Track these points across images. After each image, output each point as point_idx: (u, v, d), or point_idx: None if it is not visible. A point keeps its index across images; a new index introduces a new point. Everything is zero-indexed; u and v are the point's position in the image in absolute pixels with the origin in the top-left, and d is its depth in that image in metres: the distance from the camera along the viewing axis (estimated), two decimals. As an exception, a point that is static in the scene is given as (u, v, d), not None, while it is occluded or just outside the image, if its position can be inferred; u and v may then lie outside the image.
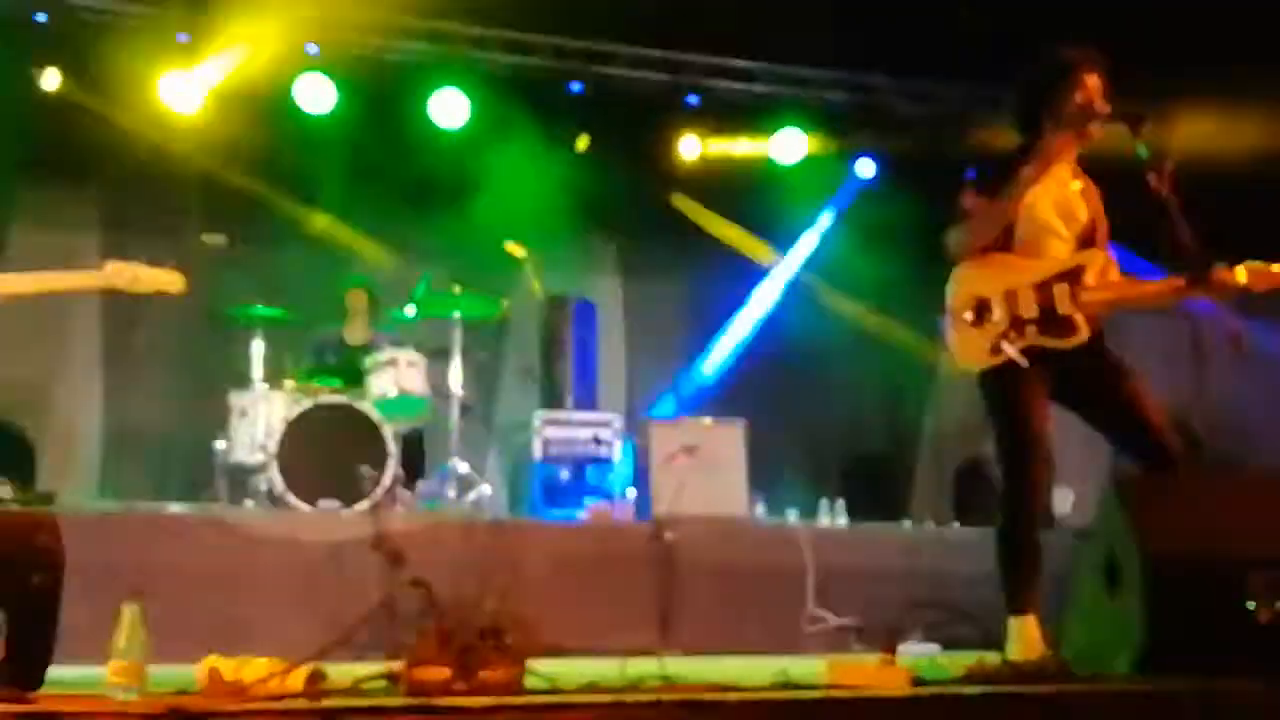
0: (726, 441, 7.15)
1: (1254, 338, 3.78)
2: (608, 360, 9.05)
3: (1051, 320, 3.89)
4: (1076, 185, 4.08)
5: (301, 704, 2.08)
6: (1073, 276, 3.93)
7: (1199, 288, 3.86)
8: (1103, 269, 4.01)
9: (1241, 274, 3.80)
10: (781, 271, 9.82)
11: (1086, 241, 4.02)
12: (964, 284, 4.03)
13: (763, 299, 9.83)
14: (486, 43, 8.61)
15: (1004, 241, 3.98)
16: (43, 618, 2.38)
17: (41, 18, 7.83)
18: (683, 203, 9.28)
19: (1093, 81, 4.01)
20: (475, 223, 8.05)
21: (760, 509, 7.36)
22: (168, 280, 4.14)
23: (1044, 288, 3.92)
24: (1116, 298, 4.01)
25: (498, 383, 8.65)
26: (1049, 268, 3.95)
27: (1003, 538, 3.93)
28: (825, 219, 9.85)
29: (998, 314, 3.92)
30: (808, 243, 9.86)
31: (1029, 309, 3.90)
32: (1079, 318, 3.89)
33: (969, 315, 3.96)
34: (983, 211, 3.95)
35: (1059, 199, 4.03)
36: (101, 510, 6.74)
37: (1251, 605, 2.81)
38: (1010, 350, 3.86)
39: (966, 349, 4.01)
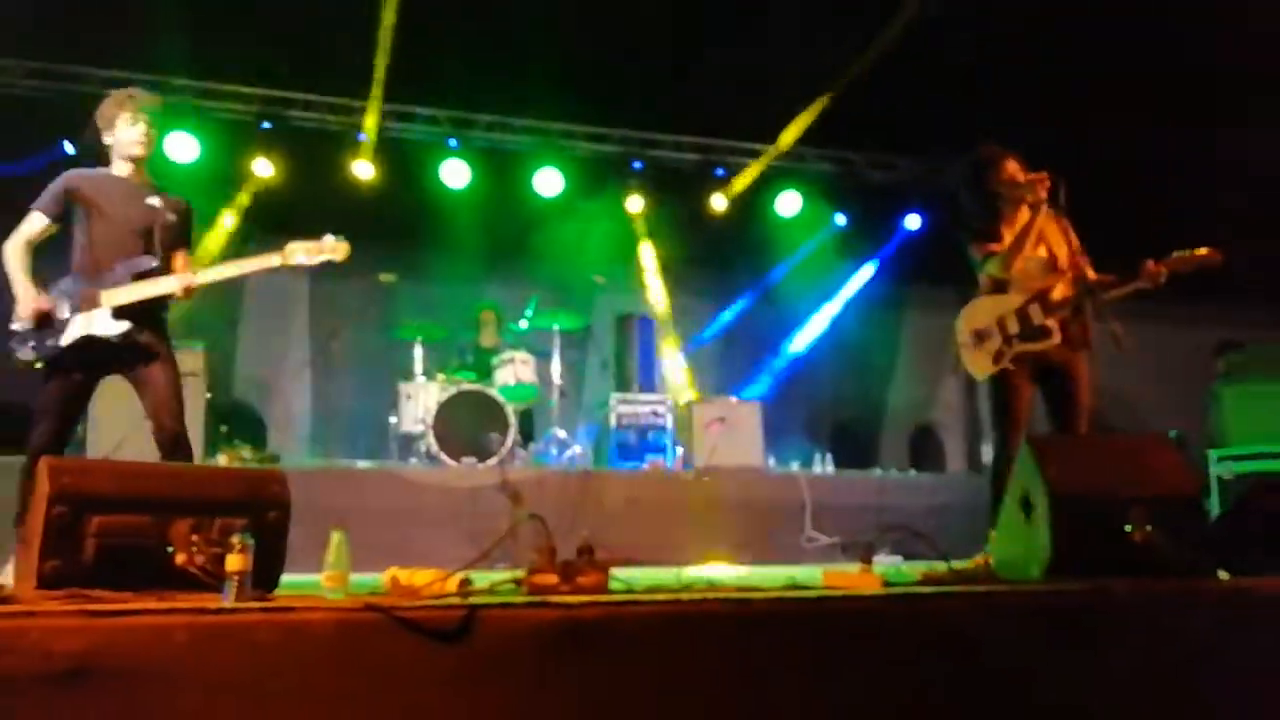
0: (747, 414, 7.14)
1: (1131, 336, 3.70)
2: (662, 357, 9.05)
3: (1030, 330, 3.98)
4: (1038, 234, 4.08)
5: (455, 600, 2.10)
6: (1041, 296, 3.99)
7: (1133, 280, 3.84)
8: (1070, 282, 4.02)
9: (1167, 264, 3.79)
10: (835, 304, 9.66)
11: (1052, 267, 4.06)
12: (965, 321, 4.17)
13: (816, 323, 9.61)
14: (574, 135, 8.65)
15: (1004, 286, 4.07)
16: (276, 542, 2.41)
17: (267, 125, 7.98)
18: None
19: (1010, 165, 4.05)
20: (568, 261, 8.09)
21: (771, 461, 7.33)
22: (334, 249, 3.87)
23: (1022, 310, 4.01)
24: (1072, 300, 3.98)
25: (585, 374, 8.66)
26: (1022, 296, 4.03)
27: (991, 480, 3.99)
28: (869, 268, 9.59)
29: (993, 336, 4.05)
30: (856, 283, 9.62)
31: (1013, 326, 4.01)
32: (1051, 324, 3.95)
33: (971, 341, 4.11)
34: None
35: (1027, 248, 4.06)
36: (312, 466, 6.87)
37: (1129, 529, 2.77)
38: (1005, 360, 4.01)
39: (976, 364, 4.12)
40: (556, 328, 7.29)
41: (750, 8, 6.97)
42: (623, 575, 2.61)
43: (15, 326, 3.66)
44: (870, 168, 9.20)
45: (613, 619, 2.06)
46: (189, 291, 3.70)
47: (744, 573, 4.07)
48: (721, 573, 3.24)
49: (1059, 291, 3.99)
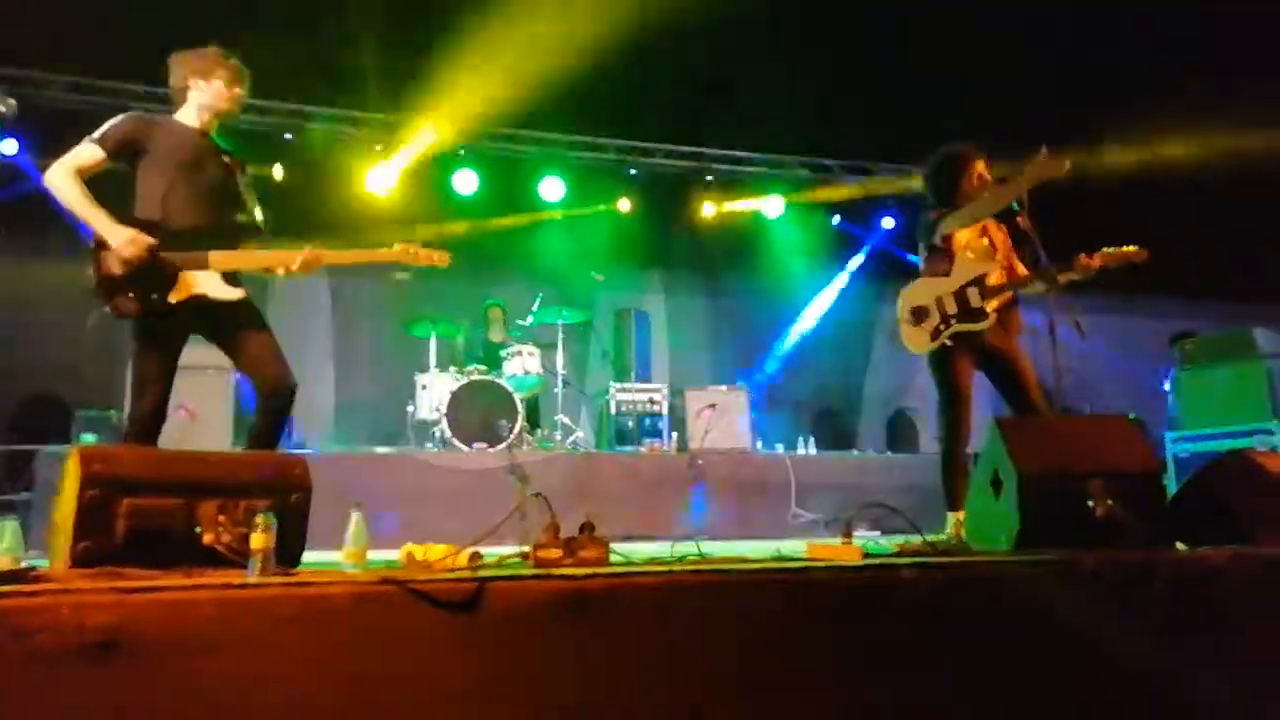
0: (736, 400, 7.11)
1: (1089, 323, 3.67)
2: (657, 350, 9.03)
3: (967, 312, 3.90)
4: (982, 224, 4.05)
5: (466, 574, 2.07)
6: (978, 281, 3.92)
7: (1067, 270, 3.82)
8: (1005, 270, 3.98)
9: (1097, 258, 3.80)
10: (821, 300, 9.62)
11: (990, 255, 4.02)
12: (906, 299, 4.05)
13: (808, 316, 9.59)
14: (574, 145, 8.60)
15: (946, 269, 3.99)
16: (299, 522, 2.37)
17: (289, 136, 7.90)
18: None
19: (979, 165, 3.99)
20: (570, 260, 8.05)
21: (759, 444, 7.31)
22: (438, 258, 3.64)
23: (959, 292, 3.94)
24: (1008, 285, 3.94)
25: (586, 364, 8.64)
26: (961, 279, 3.95)
27: (944, 460, 3.95)
28: (856, 259, 9.60)
29: (931, 315, 3.94)
30: (840, 280, 9.63)
31: (951, 307, 3.92)
32: (988, 307, 3.89)
33: (911, 318, 4.00)
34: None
35: (971, 235, 4.03)
36: (334, 451, 6.83)
37: (1090, 504, 2.74)
38: (942, 337, 3.91)
39: (914, 341, 4.03)
40: (560, 322, 7.24)
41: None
42: (622, 549, 2.59)
43: (116, 270, 3.04)
44: (847, 173, 9.16)
45: (613, 589, 2.03)
46: (306, 266, 3.27)
47: (733, 547, 4.04)
48: (712, 546, 3.21)
49: (995, 277, 3.92)
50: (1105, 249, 3.79)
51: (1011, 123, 5.22)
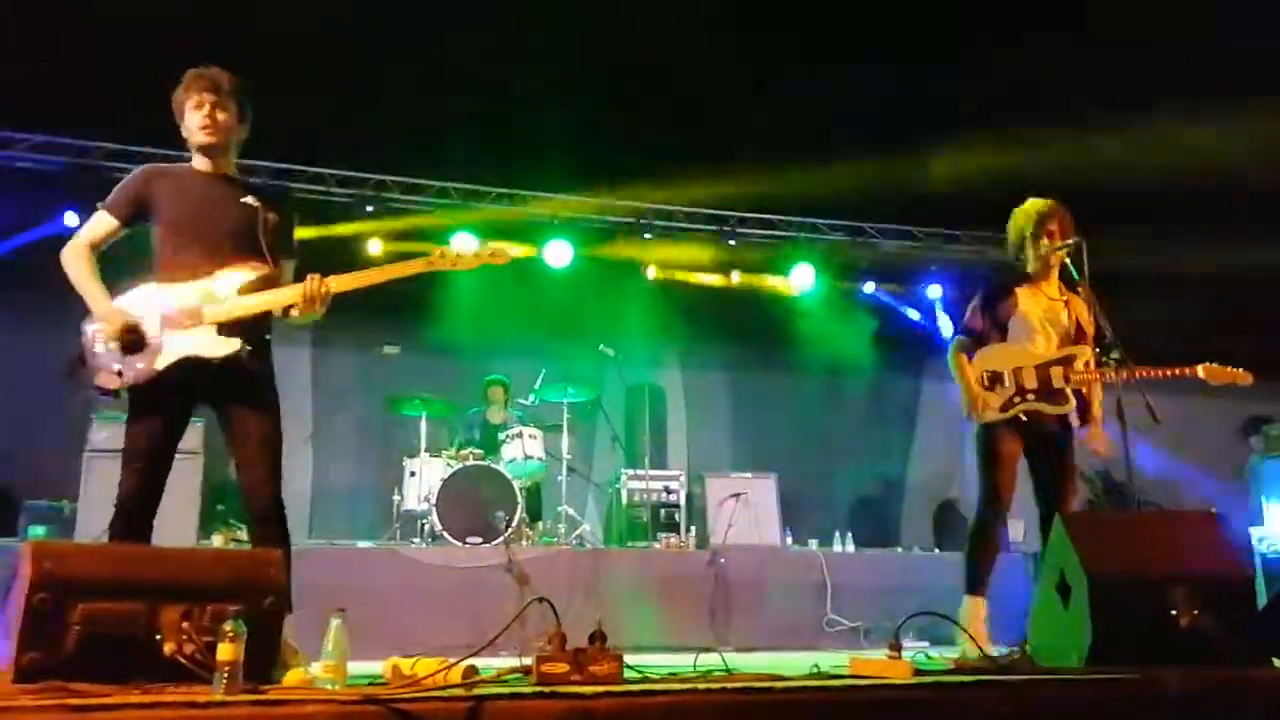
0: (763, 489, 7.06)
1: (1163, 410, 3.66)
2: (673, 432, 9.00)
3: (1049, 392, 4.01)
4: (1060, 297, 4.17)
5: (460, 692, 2.03)
6: (1066, 361, 4.04)
7: (1175, 370, 3.91)
8: (1088, 360, 4.08)
9: (1200, 370, 3.93)
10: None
11: (1069, 340, 4.11)
12: (980, 362, 4.14)
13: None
14: (584, 208, 8.72)
15: (1000, 338, 4.13)
16: (272, 630, 2.32)
17: (371, 209, 8.10)
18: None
19: (1062, 222, 4.09)
20: (577, 333, 8.08)
21: (789, 539, 7.21)
22: (490, 254, 3.37)
23: (1043, 368, 4.04)
24: (1093, 379, 4.05)
25: (594, 448, 8.60)
26: (1048, 354, 4.06)
27: (974, 531, 4.06)
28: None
29: (1007, 385, 4.05)
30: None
31: (1031, 382, 4.03)
32: (1069, 391, 4.02)
33: (984, 382, 4.10)
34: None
35: (1046, 308, 4.14)
36: (311, 546, 6.77)
37: (1173, 613, 2.68)
38: (1015, 410, 4.02)
39: (981, 405, 4.09)
40: (565, 400, 7.26)
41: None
42: (636, 662, 2.53)
43: (97, 348, 3.10)
44: (884, 237, 9.23)
45: (628, 710, 1.99)
46: (312, 302, 3.14)
47: (762, 659, 3.96)
48: (738, 659, 3.13)
49: (1084, 360, 4.01)
50: (1209, 365, 3.91)
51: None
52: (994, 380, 4.07)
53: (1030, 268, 4.15)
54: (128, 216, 3.21)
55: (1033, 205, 4.16)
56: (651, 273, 9.02)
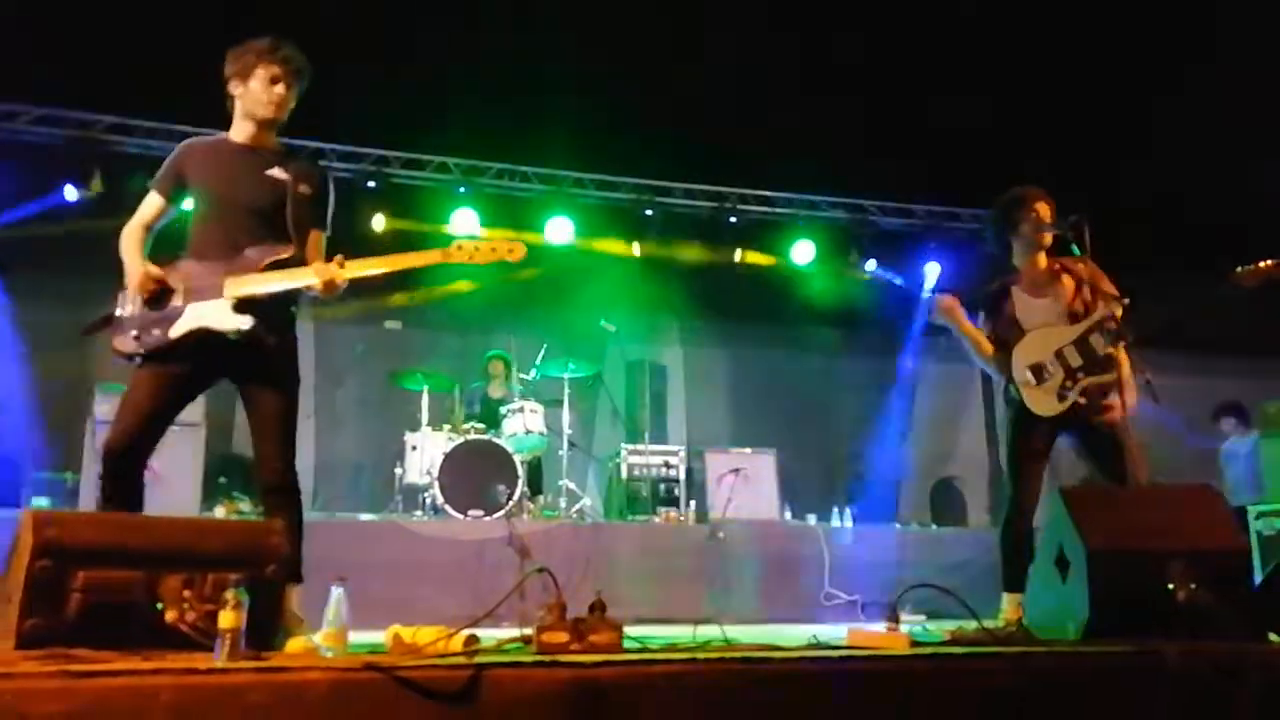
0: (762, 465, 7.07)
1: (1161, 388, 3.61)
2: (673, 407, 9.00)
3: (1095, 362, 3.81)
4: (1053, 266, 4.01)
5: (460, 660, 2.02)
6: (1101, 325, 3.83)
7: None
8: (1116, 314, 3.84)
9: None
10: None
11: (1082, 304, 3.93)
12: (1020, 357, 3.95)
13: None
14: (584, 184, 8.67)
15: (1019, 334, 3.96)
16: (274, 597, 2.32)
17: (372, 184, 8.05)
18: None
19: (1041, 208, 3.99)
20: (579, 308, 8.05)
21: (788, 514, 7.22)
22: (507, 250, 3.29)
23: (1081, 341, 3.85)
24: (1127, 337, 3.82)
25: (595, 423, 8.60)
26: (1080, 326, 3.87)
27: (1005, 531, 3.87)
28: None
29: (1053, 371, 3.86)
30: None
31: (1075, 359, 3.83)
32: (1116, 352, 3.80)
33: (1031, 379, 3.89)
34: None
35: (1045, 287, 4.00)
36: (312, 518, 6.75)
37: (1171, 587, 2.67)
38: (1072, 397, 3.81)
39: (1038, 403, 3.87)
40: (566, 376, 7.24)
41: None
42: (636, 633, 2.53)
43: (120, 311, 3.15)
44: (884, 214, 9.18)
45: (628, 679, 1.99)
46: (331, 287, 3.11)
47: (761, 631, 3.96)
48: (736, 630, 3.15)
49: (1118, 315, 3.78)
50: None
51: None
52: (1038, 372, 3.86)
53: (1017, 261, 4.04)
54: (169, 191, 3.26)
55: (1011, 193, 4.09)
56: (637, 250, 8.95)
